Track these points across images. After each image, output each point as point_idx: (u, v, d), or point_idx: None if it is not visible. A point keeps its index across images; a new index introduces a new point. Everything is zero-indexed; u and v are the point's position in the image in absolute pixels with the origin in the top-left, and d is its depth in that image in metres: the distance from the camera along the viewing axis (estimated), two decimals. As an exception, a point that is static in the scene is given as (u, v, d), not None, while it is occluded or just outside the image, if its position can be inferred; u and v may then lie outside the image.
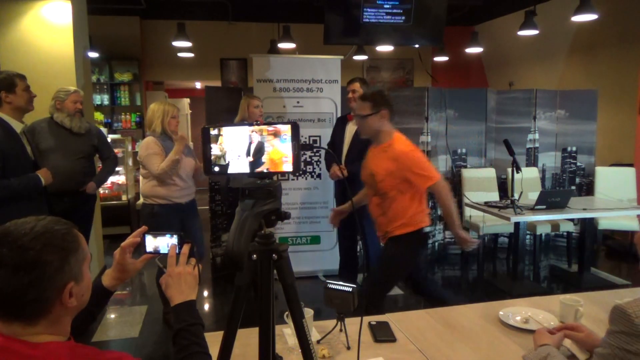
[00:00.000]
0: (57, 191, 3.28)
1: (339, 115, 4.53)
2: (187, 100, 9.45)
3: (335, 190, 4.31)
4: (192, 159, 3.50)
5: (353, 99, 3.85)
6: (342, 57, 4.61)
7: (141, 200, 5.53)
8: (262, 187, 1.22)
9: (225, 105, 4.65)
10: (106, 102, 7.76)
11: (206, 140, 1.25)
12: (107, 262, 5.02)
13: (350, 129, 3.90)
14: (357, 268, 4.29)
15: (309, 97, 4.48)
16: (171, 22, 6.72)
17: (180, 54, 7.50)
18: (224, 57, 8.23)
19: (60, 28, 3.98)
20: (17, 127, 2.88)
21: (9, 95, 2.83)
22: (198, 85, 10.24)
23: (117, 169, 6.32)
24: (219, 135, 1.25)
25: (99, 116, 7.63)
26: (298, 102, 4.47)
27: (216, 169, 1.25)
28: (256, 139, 1.20)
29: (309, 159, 4.53)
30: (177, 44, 6.40)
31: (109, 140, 6.03)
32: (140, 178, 3.60)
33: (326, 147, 4.39)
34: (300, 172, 4.53)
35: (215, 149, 1.25)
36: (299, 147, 1.18)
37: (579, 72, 6.99)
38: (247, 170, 1.23)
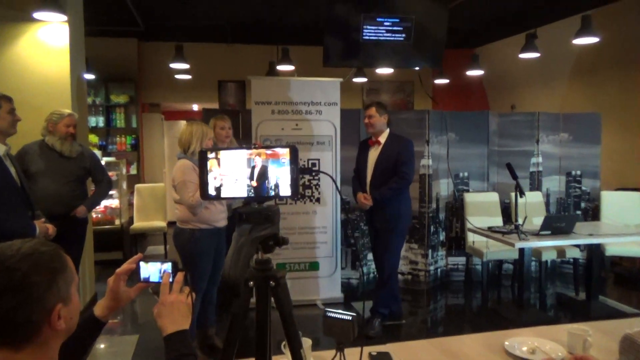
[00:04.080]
0: (46, 215, 3.26)
1: (339, 136, 4.56)
2: (183, 123, 9.51)
3: (365, 216, 4.30)
4: None
5: (370, 124, 3.91)
6: (341, 79, 4.66)
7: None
8: (259, 211, 1.22)
9: (223, 128, 4.67)
10: (101, 124, 7.82)
11: (203, 164, 1.26)
12: (98, 289, 4.97)
13: (373, 155, 3.95)
14: None
15: (307, 119, 4.51)
16: (169, 44, 6.83)
17: (177, 76, 7.59)
18: (222, 79, 8.33)
19: (56, 50, 4.02)
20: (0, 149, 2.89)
21: None
22: (195, 107, 10.32)
23: (110, 192, 6.33)
24: (216, 158, 1.25)
25: (93, 138, 7.67)
26: (297, 125, 4.50)
27: (213, 193, 1.25)
28: (259, 162, 1.21)
29: (307, 183, 4.54)
30: (174, 65, 6.49)
31: (103, 163, 6.09)
32: (175, 204, 3.40)
33: (326, 171, 4.41)
34: (299, 197, 4.53)
35: (212, 173, 1.25)
36: (298, 171, 1.19)
37: (582, 95, 7.06)
38: (244, 194, 1.23)
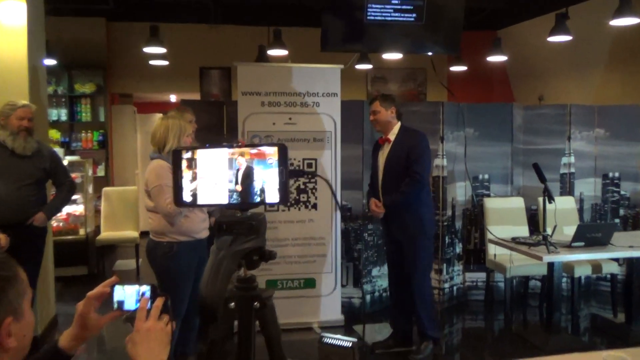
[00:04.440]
0: (-2, 223, 3.25)
1: (339, 133, 4.55)
2: (159, 116, 9.49)
3: (382, 226, 4.30)
4: None
5: (375, 121, 3.95)
6: (342, 66, 4.66)
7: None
8: (242, 220, 1.21)
9: (204, 122, 4.66)
10: (64, 118, 7.80)
11: (177, 166, 1.24)
12: (59, 310, 4.95)
13: (383, 155, 3.98)
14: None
15: (303, 112, 4.50)
16: (143, 25, 6.80)
17: (152, 62, 7.57)
18: (204, 65, 8.32)
19: (12, 30, 4.01)
20: None
21: None
22: (173, 98, 10.32)
23: (74, 197, 6.32)
24: (192, 159, 1.24)
25: (54, 134, 7.64)
26: (290, 119, 4.49)
27: (188, 199, 1.23)
28: (243, 163, 1.19)
29: (302, 186, 4.53)
30: (149, 50, 6.47)
31: (65, 163, 6.08)
32: (148, 212, 3.33)
33: (324, 173, 4.40)
34: (293, 202, 4.52)
35: (187, 176, 1.24)
36: (288, 173, 1.17)
37: (620, 85, 7.06)
38: (225, 200, 1.21)
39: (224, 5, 7.60)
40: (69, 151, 7.61)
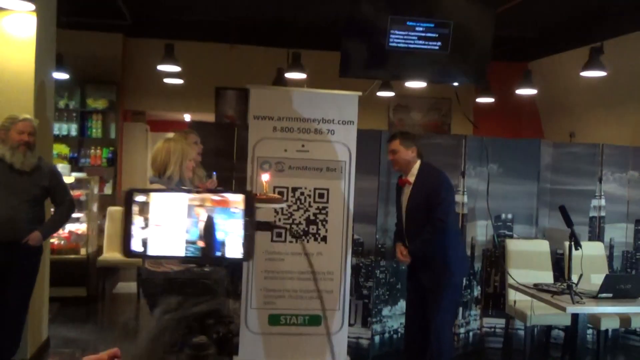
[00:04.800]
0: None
1: (354, 163, 4.49)
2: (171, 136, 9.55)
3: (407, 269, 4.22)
4: None
5: (394, 161, 3.94)
6: (360, 93, 4.61)
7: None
8: (195, 279, 1.11)
9: (213, 145, 4.65)
10: (74, 133, 7.87)
11: (128, 210, 1.17)
12: (52, 332, 4.91)
13: (404, 197, 3.95)
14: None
15: (317, 140, 4.44)
16: (159, 42, 6.86)
17: (167, 80, 7.63)
18: (220, 85, 8.35)
19: (21, 42, 4.04)
20: None
21: None
22: (187, 117, 10.38)
23: (77, 215, 6.33)
24: (145, 203, 1.16)
25: (63, 149, 7.72)
26: (303, 146, 4.43)
27: (138, 248, 1.15)
28: (202, 214, 1.11)
29: (313, 217, 4.45)
30: (163, 67, 6.52)
31: (71, 179, 6.12)
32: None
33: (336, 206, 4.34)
34: (302, 234, 4.44)
35: (139, 222, 1.16)
36: (254, 225, 1.09)
37: (658, 125, 6.91)
38: (181, 252, 1.13)
39: (242, 24, 7.68)
40: (77, 167, 7.64)
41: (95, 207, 6.63)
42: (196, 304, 1.09)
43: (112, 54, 7.94)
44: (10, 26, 4.04)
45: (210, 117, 8.31)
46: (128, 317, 6.09)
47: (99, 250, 6.54)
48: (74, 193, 6.32)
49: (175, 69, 6.51)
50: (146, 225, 1.15)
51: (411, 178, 3.90)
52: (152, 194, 1.16)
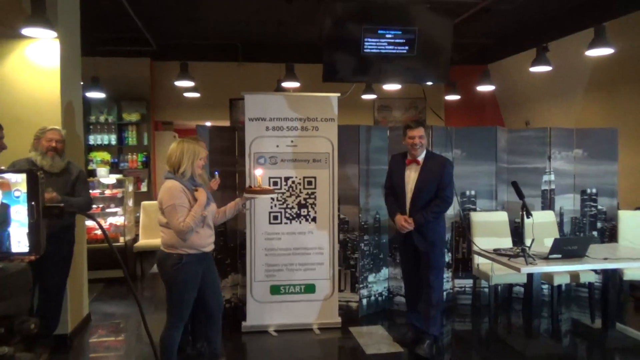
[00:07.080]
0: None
1: (336, 154, 4.28)
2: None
3: (398, 239, 3.97)
4: (213, 202, 3.20)
5: (420, 144, 3.70)
6: (338, 94, 4.39)
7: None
8: None
9: (218, 145, 4.46)
10: (114, 142, 7.79)
11: None
12: (94, 308, 4.76)
13: (412, 175, 3.74)
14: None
15: (303, 136, 4.25)
16: (180, 63, 6.73)
17: (186, 94, 7.47)
18: (233, 97, 8.17)
19: (46, 68, 3.83)
20: None
21: None
22: (208, 124, 10.21)
23: (115, 209, 6.18)
24: None
25: (105, 156, 7.63)
26: (292, 142, 4.23)
27: None
28: None
29: (303, 202, 4.25)
30: (179, 83, 6.34)
31: (112, 179, 6.03)
32: (160, 227, 3.07)
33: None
34: (294, 216, 4.24)
35: None
36: (41, 210, 0.73)
37: (598, 110, 6.63)
38: None
39: (250, 46, 7.59)
40: (118, 170, 7.57)
41: (130, 202, 6.47)
42: None
43: (141, 75, 7.83)
44: (35, 53, 3.81)
45: (226, 123, 8.13)
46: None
47: (136, 238, 6.39)
48: (113, 191, 6.20)
49: (189, 84, 6.32)
50: None
51: (420, 159, 3.72)
52: None
